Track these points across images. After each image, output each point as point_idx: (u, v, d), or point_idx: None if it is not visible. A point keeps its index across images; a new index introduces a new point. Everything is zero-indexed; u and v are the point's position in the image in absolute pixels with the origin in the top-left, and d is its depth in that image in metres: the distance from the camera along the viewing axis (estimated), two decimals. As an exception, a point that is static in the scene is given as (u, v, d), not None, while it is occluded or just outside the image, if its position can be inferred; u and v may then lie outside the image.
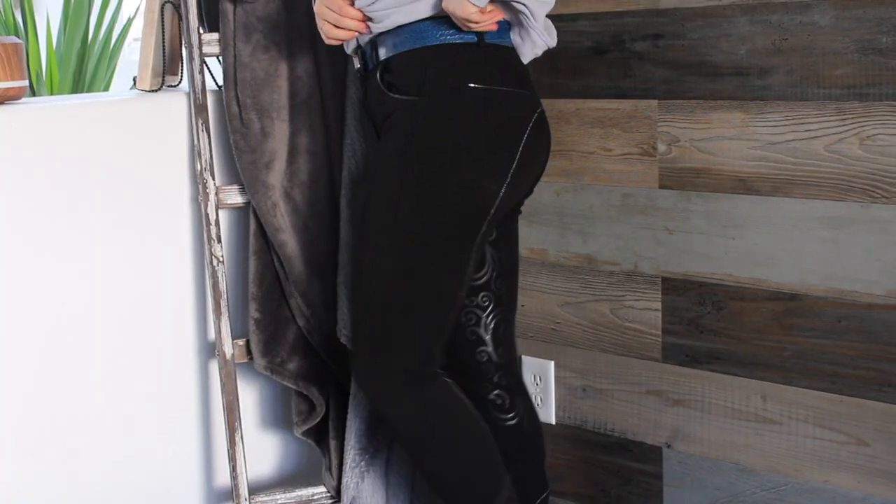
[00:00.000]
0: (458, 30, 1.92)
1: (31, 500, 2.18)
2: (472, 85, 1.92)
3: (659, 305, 2.37)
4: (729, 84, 2.21)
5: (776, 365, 2.22)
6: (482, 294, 2.11)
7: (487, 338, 2.13)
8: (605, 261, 2.45)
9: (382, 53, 1.98)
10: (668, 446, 2.40)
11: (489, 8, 1.89)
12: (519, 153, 1.95)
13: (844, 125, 2.08)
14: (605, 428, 2.50)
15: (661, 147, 2.32)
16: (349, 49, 2.07)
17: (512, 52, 1.99)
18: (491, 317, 2.13)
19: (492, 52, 1.95)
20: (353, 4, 1.96)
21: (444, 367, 2.04)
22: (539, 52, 2.03)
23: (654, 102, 2.32)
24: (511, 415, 2.17)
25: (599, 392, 2.50)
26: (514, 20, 1.97)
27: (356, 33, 1.98)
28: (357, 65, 2.05)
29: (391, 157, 1.96)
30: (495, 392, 2.15)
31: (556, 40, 2.03)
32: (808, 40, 2.10)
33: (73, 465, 2.23)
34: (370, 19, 1.96)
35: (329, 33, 1.99)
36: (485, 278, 2.10)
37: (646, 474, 2.44)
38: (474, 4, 1.86)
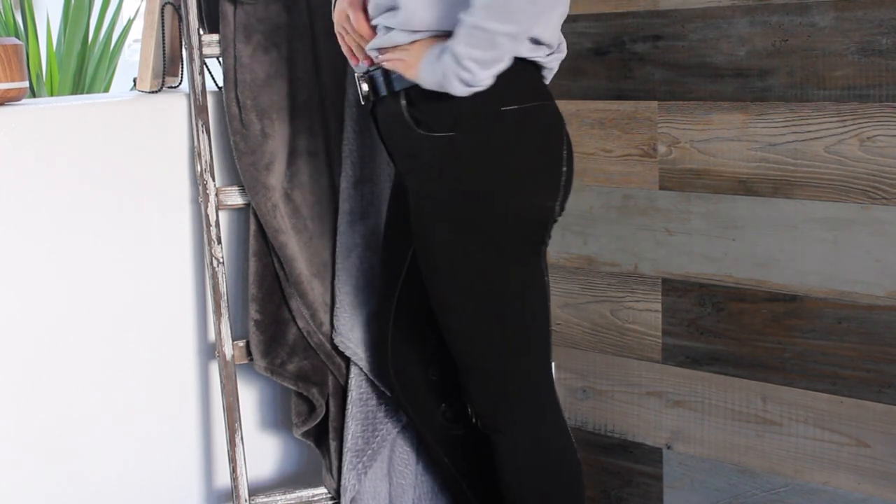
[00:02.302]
0: None
1: (32, 500, 2.18)
2: (505, 108, 1.83)
3: (659, 307, 2.37)
4: (729, 85, 2.21)
5: (776, 366, 2.22)
6: None
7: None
8: (605, 262, 2.45)
9: (398, 83, 1.87)
10: (669, 447, 2.40)
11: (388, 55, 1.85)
12: (564, 165, 1.89)
13: (844, 126, 2.08)
14: (606, 429, 2.50)
15: (662, 148, 2.32)
16: (358, 72, 1.96)
17: (528, 65, 1.87)
18: None
19: (512, 68, 1.83)
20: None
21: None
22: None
23: (655, 104, 2.32)
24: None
25: (600, 393, 2.50)
26: None
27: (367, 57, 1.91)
28: (364, 89, 1.94)
29: (435, 200, 1.88)
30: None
31: (564, 52, 1.98)
32: (808, 41, 2.10)
33: (74, 466, 2.23)
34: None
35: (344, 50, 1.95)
36: None
37: (646, 475, 2.44)
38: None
